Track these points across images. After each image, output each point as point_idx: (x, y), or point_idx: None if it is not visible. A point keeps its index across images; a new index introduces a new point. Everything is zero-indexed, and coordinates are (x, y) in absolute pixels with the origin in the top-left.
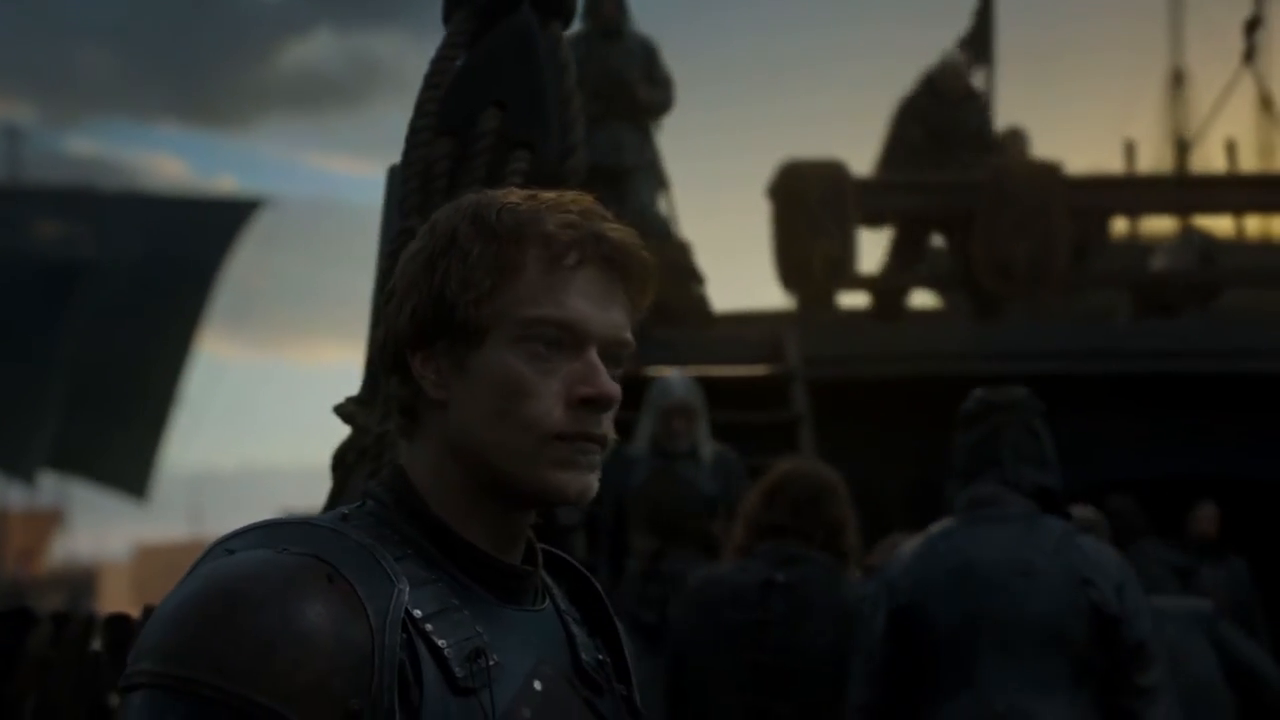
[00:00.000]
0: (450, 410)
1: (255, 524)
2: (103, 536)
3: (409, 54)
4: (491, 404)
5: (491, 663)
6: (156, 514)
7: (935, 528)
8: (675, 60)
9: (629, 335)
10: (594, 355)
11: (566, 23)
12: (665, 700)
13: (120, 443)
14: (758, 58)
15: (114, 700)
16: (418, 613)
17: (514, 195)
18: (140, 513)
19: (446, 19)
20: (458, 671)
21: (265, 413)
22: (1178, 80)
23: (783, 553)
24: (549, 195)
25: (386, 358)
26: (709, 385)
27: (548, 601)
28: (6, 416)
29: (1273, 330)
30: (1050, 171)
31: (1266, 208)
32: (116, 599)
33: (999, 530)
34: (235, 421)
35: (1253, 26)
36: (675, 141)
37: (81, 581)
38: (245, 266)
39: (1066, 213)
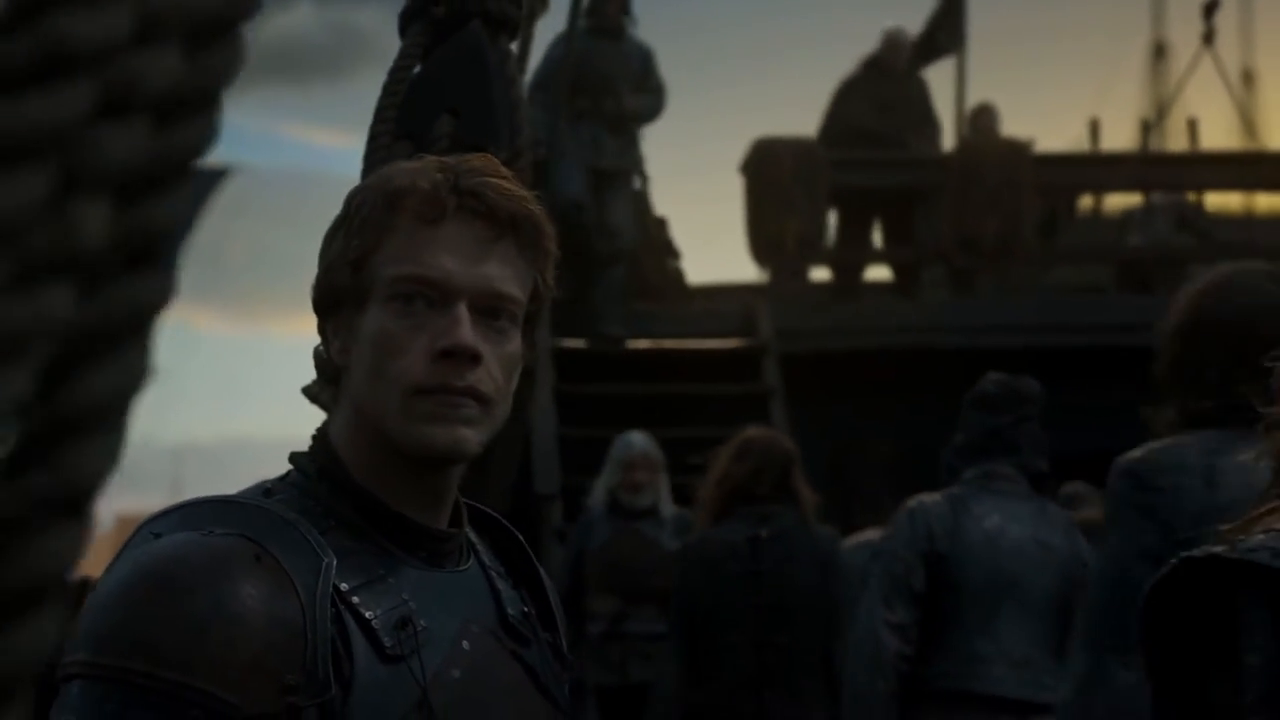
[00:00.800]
0: (350, 374)
1: (175, 505)
2: None
3: (391, 26)
4: (369, 363)
5: (420, 628)
6: (138, 485)
7: (958, 490)
8: (653, 40)
9: (507, 288)
10: (460, 309)
11: (512, 36)
12: (679, 642)
13: None
14: (733, 40)
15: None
16: (344, 585)
17: (408, 163)
18: (121, 484)
19: (403, 32)
20: (386, 641)
21: (247, 385)
22: (1159, 53)
23: (759, 512)
24: (441, 159)
25: (318, 329)
26: (683, 358)
27: (472, 560)
28: None
29: None
30: (1017, 149)
31: (1227, 185)
32: (98, 568)
33: (1017, 505)
34: (217, 394)
35: (1210, 10)
36: (661, 131)
37: None
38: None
39: (1033, 190)
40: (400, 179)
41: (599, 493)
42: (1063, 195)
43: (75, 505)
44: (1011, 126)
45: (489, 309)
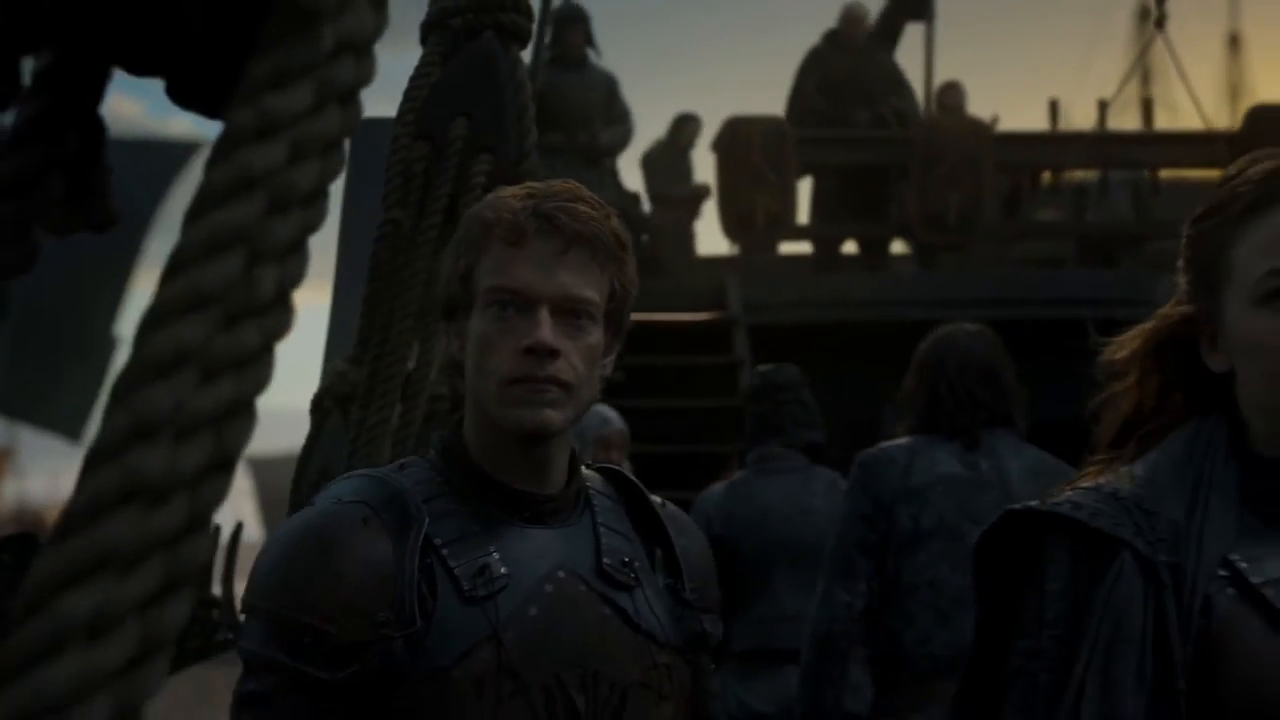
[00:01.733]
0: (464, 369)
1: (342, 476)
2: (55, 478)
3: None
4: (474, 360)
5: (500, 574)
6: None
7: (737, 476)
8: (634, 24)
9: (581, 292)
10: (542, 313)
11: (523, 46)
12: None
13: (59, 386)
14: (706, 21)
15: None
16: (438, 540)
17: (504, 192)
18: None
19: (423, 41)
20: (465, 585)
21: None
22: (1144, 16)
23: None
24: (531, 186)
25: (442, 332)
26: (655, 330)
27: (584, 516)
28: None
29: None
30: (978, 128)
31: (1180, 163)
32: None
33: (785, 479)
34: None
35: None
36: (631, 99)
37: (34, 522)
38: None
39: (993, 168)
40: (489, 212)
41: None
42: (1025, 171)
43: None
44: (984, 104)
45: (568, 310)
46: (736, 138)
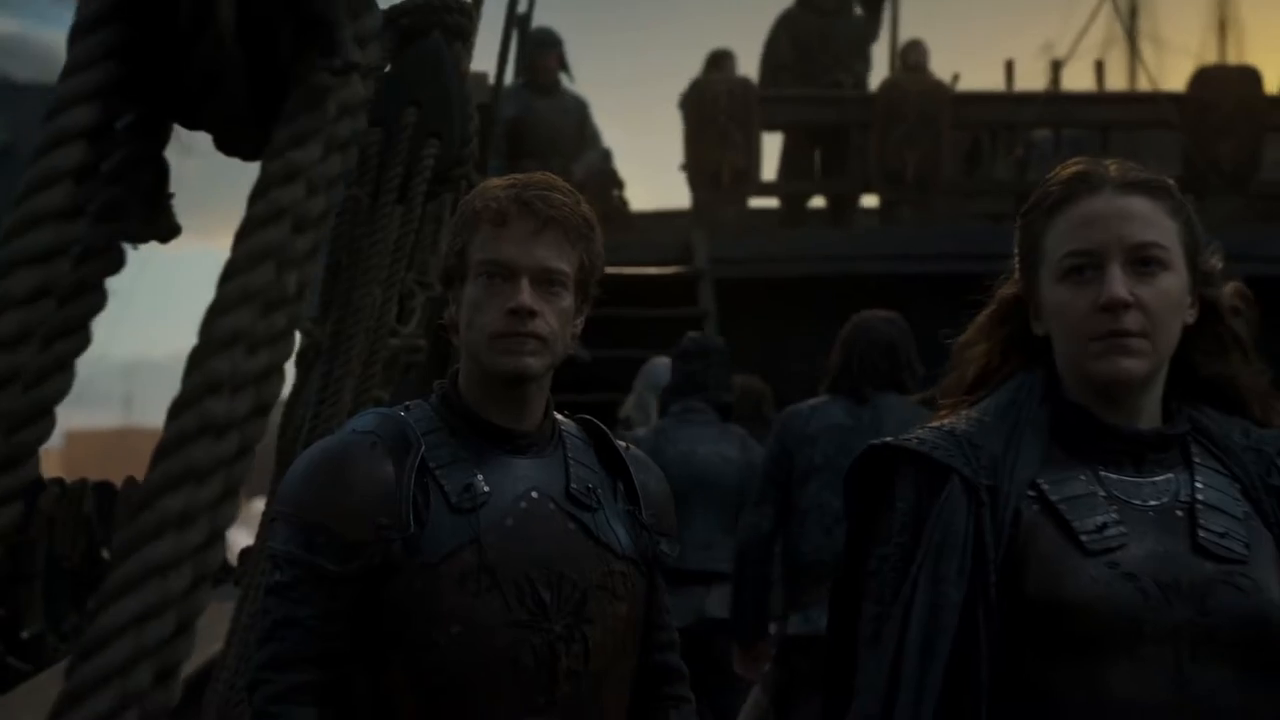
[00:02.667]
0: (458, 329)
1: (361, 413)
2: None
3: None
4: (467, 319)
5: (483, 491)
6: (90, 403)
7: (660, 424)
8: None
9: (554, 264)
10: (523, 281)
11: (465, 43)
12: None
13: None
14: None
15: (105, 553)
16: (432, 463)
17: (491, 183)
18: (75, 401)
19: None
20: (453, 499)
21: (197, 302)
22: None
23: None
24: (514, 178)
25: (443, 298)
26: (624, 283)
27: (557, 450)
28: None
29: None
30: (936, 88)
31: (1130, 122)
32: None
33: (704, 429)
34: (168, 311)
35: None
36: (605, 60)
37: None
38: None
39: (951, 126)
40: (479, 200)
41: (649, 410)
42: (983, 129)
43: None
44: (950, 63)
45: (545, 279)
46: (703, 97)
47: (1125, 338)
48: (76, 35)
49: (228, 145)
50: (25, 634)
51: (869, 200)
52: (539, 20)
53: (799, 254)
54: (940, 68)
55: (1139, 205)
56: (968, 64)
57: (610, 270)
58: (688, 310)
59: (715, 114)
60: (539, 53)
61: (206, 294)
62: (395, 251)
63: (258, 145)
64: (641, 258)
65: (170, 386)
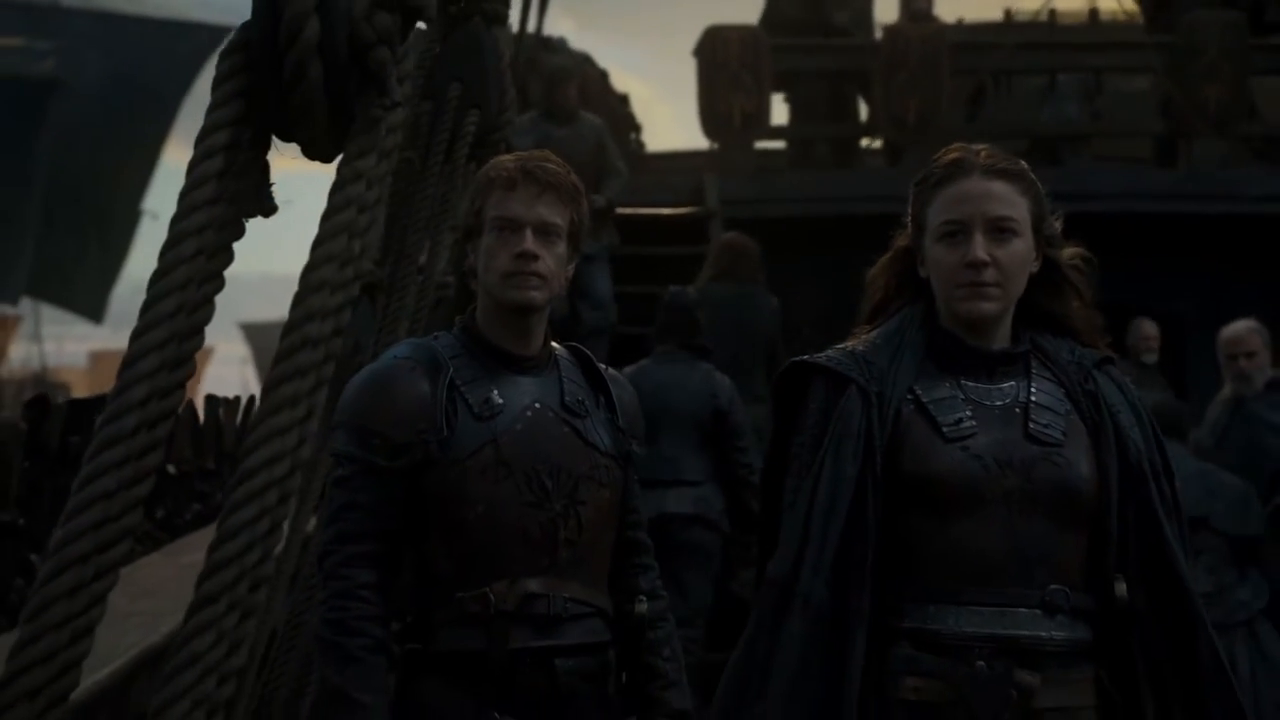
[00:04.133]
0: (477, 273)
1: (401, 342)
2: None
3: None
4: (484, 263)
5: (498, 403)
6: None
7: (643, 362)
8: None
9: (552, 219)
10: (527, 232)
11: (502, 26)
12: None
13: (83, 266)
14: None
15: (170, 468)
16: (458, 381)
17: (502, 158)
18: (118, 324)
19: (427, 23)
20: (475, 409)
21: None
22: None
23: None
24: (520, 155)
25: (459, 254)
26: (639, 222)
27: (554, 370)
28: None
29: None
30: (937, 35)
31: (1120, 67)
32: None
33: (674, 367)
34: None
35: None
36: (624, 9)
37: (51, 385)
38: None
39: (951, 72)
40: (492, 170)
41: None
42: (984, 74)
43: None
44: (952, 8)
45: (544, 231)
46: (715, 45)
47: (983, 287)
48: (217, 82)
49: (311, 153)
50: None
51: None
52: None
53: (805, 195)
54: (944, 11)
55: (998, 187)
56: (969, 7)
57: (628, 211)
58: (701, 248)
59: (727, 61)
60: (558, 85)
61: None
62: (442, 204)
63: (331, 154)
64: (658, 199)
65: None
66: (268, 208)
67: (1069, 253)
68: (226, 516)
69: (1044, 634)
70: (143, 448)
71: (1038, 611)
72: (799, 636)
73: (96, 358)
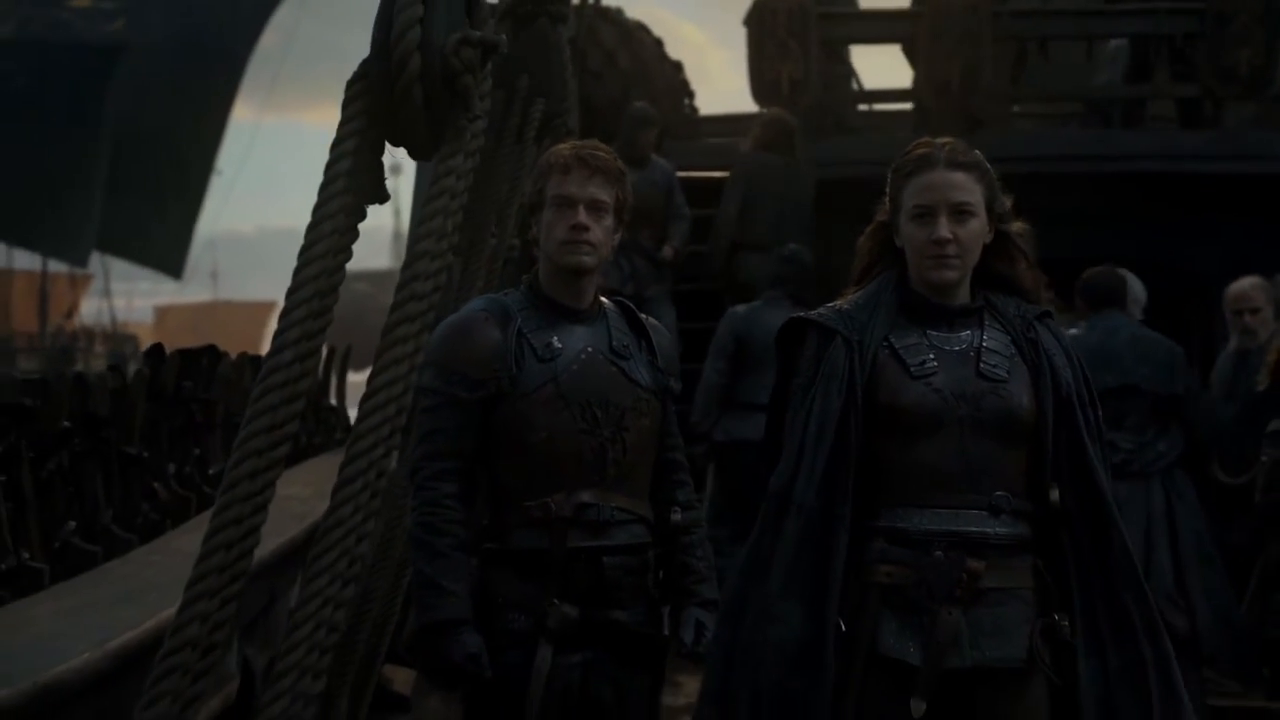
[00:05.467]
0: (539, 241)
1: (478, 298)
2: (130, 300)
3: None
4: (545, 234)
5: (558, 347)
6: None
7: (755, 304)
8: None
9: (600, 196)
10: (580, 208)
11: (564, 23)
12: None
13: (160, 223)
14: None
15: None
16: (525, 329)
17: (559, 146)
18: (161, 276)
19: (499, 21)
20: (539, 352)
21: (283, 176)
22: None
23: None
24: (574, 143)
25: (523, 225)
26: (693, 185)
27: (603, 319)
28: (58, 201)
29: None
30: (979, 3)
31: (1154, 34)
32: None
33: (780, 309)
34: (254, 185)
35: None
36: None
37: (123, 338)
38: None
39: (992, 40)
40: (551, 156)
41: None
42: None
43: None
44: None
45: (594, 207)
46: (764, 14)
47: (946, 259)
48: (346, 104)
49: (414, 154)
50: (211, 471)
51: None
52: None
53: (846, 157)
54: None
55: (959, 177)
56: None
57: (682, 175)
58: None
59: (775, 29)
60: (638, 129)
61: (295, 168)
62: (512, 180)
63: (430, 154)
64: (704, 162)
65: (258, 259)
66: (382, 196)
67: (1016, 226)
68: (360, 423)
69: (989, 530)
70: (297, 374)
71: (985, 513)
72: (794, 535)
73: (162, 312)
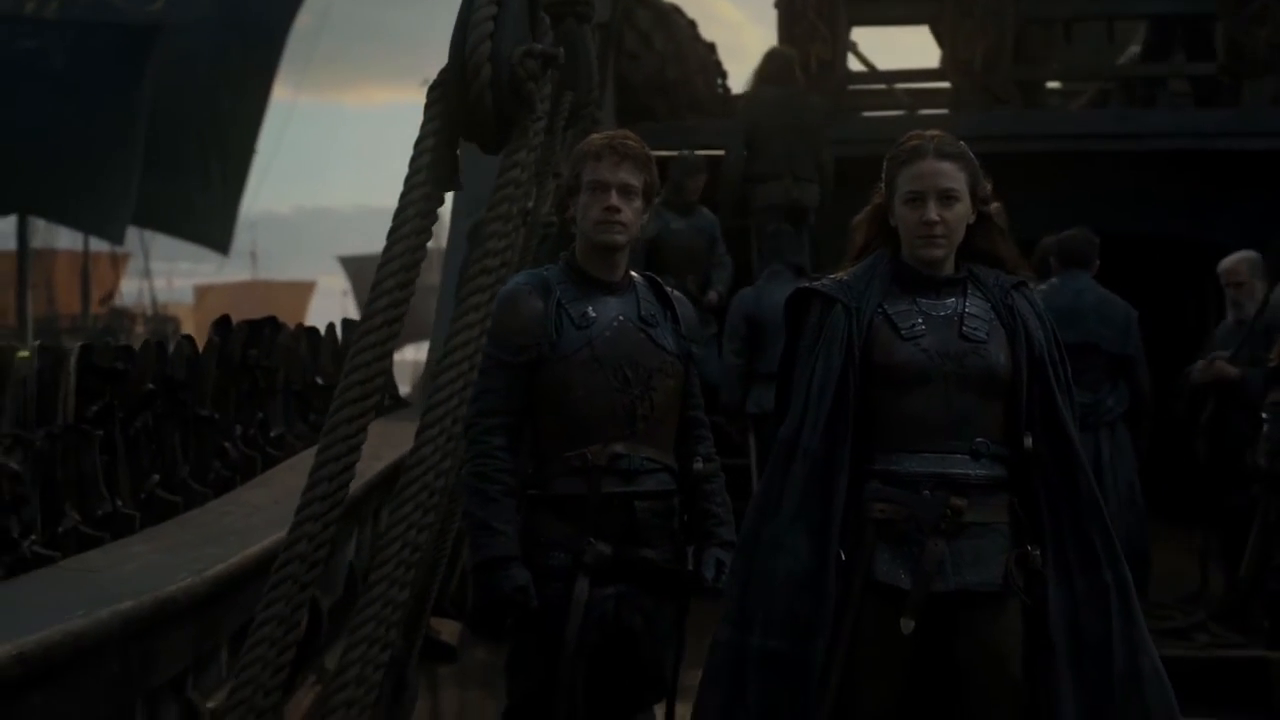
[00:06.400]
0: (576, 221)
1: (520, 272)
2: (170, 279)
3: None
4: (581, 213)
5: (592, 316)
6: (218, 259)
7: (758, 282)
8: None
9: (630, 180)
10: (612, 191)
11: (589, 23)
12: None
13: (205, 201)
14: None
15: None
16: (563, 300)
17: (592, 136)
18: (201, 256)
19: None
20: (576, 321)
21: (320, 157)
22: None
23: None
24: (609, 132)
25: (560, 206)
26: (720, 161)
27: (632, 291)
28: (95, 178)
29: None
30: None
31: (1180, 12)
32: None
33: (784, 285)
34: (290, 166)
35: None
36: None
37: (164, 319)
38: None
39: (1015, 19)
40: (586, 145)
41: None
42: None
43: None
44: None
45: (625, 191)
46: None
47: (934, 238)
48: (428, 106)
49: (485, 149)
50: (273, 433)
51: None
52: None
53: (872, 136)
54: None
55: (945, 166)
56: None
57: (717, 151)
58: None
59: (805, 10)
60: (688, 175)
61: (331, 148)
62: (544, 164)
63: (499, 149)
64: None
65: (296, 239)
66: (456, 185)
67: (995, 207)
68: (437, 377)
69: (970, 472)
70: (386, 337)
71: (966, 457)
72: (801, 476)
73: (202, 292)
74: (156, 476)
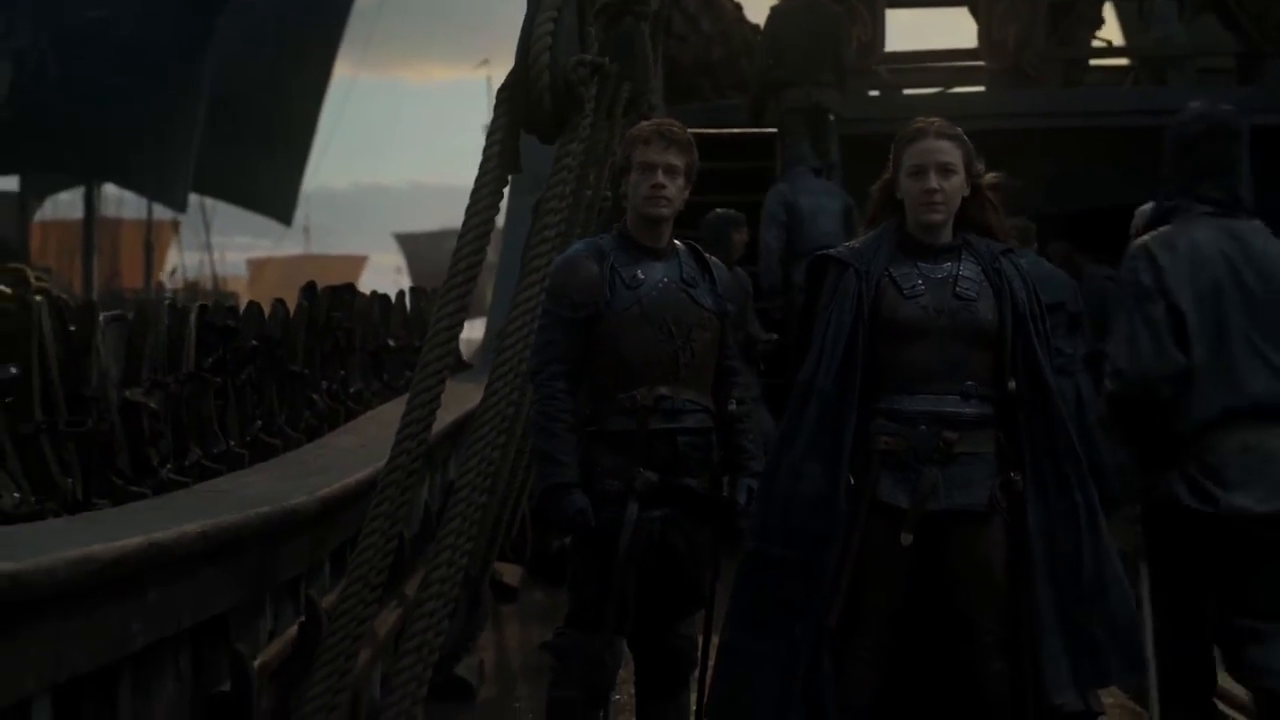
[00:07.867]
0: (627, 196)
1: (579, 240)
2: (224, 252)
3: None
4: (632, 190)
5: (640, 278)
6: (271, 232)
7: (791, 178)
8: None
9: (674, 161)
10: (659, 171)
11: (646, 21)
12: None
13: (267, 170)
14: None
15: (390, 341)
16: (616, 264)
17: (641, 124)
18: (256, 229)
19: (594, 20)
20: (627, 282)
21: (376, 132)
22: None
23: None
24: (656, 120)
25: (614, 183)
26: (765, 140)
27: (675, 257)
28: (157, 145)
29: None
30: None
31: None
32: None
33: (806, 180)
34: (350, 141)
35: None
36: None
37: (220, 294)
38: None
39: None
40: (636, 131)
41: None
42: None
43: None
44: None
45: (670, 170)
46: None
47: (934, 205)
48: (497, 106)
49: (543, 139)
50: (352, 389)
51: None
52: None
53: (911, 113)
54: None
55: (944, 144)
56: None
57: (754, 130)
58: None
59: None
60: (732, 228)
61: (388, 124)
62: (604, 148)
63: (555, 140)
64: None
65: (351, 214)
66: (518, 168)
67: (988, 181)
68: (506, 338)
69: (961, 410)
70: (460, 306)
71: (958, 398)
72: (815, 414)
73: (256, 265)
74: (259, 422)
